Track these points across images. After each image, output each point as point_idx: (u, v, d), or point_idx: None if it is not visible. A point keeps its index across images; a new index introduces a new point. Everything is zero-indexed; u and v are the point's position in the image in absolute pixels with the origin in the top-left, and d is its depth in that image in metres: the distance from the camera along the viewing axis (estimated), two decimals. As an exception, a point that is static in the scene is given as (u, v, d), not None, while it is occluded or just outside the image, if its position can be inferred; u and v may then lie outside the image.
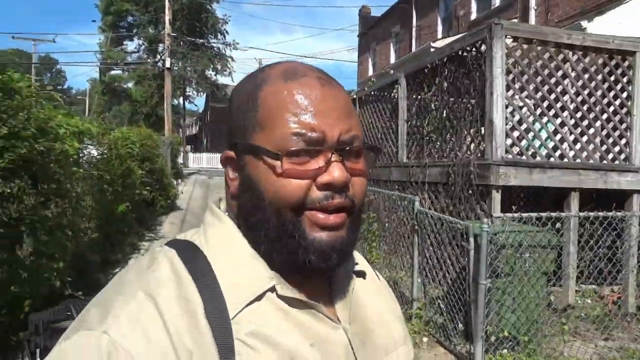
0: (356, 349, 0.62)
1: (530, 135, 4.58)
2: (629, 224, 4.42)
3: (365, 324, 0.67)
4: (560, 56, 4.52)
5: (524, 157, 4.50)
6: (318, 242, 0.57)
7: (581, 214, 3.70)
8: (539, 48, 4.42)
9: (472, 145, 4.76)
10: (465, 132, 4.84)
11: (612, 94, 4.73)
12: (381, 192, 5.52)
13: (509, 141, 4.44)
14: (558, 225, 3.99)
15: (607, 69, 4.71)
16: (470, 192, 4.61)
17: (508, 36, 4.31)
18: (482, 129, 4.52)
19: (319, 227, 0.57)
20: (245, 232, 0.61)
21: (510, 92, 4.46)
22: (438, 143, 5.45)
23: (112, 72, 34.53)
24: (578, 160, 4.67)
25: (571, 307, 4.60)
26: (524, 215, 3.55)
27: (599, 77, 4.73)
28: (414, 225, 4.55)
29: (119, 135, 7.86)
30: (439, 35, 13.10)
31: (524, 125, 4.53)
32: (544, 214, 3.58)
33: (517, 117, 4.50)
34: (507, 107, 4.40)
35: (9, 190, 3.58)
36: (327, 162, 0.56)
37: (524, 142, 4.58)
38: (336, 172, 0.56)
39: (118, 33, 32.70)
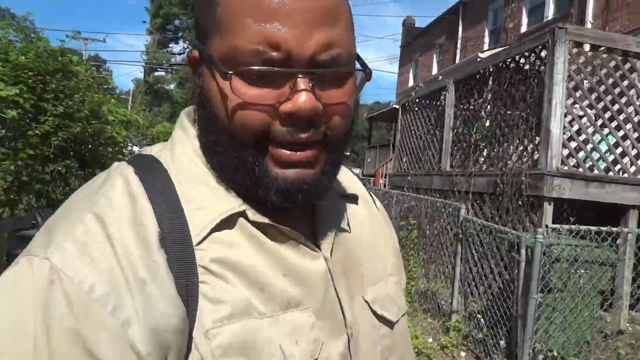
0: (337, 279, 0.55)
1: (589, 147, 4.34)
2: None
3: (352, 253, 0.60)
4: (627, 65, 4.27)
5: (580, 170, 4.26)
6: (282, 180, 0.48)
7: (645, 231, 3.44)
8: (604, 55, 4.19)
9: (525, 155, 4.55)
10: (518, 141, 4.63)
11: (680, 108, 4.44)
12: (423, 199, 5.36)
13: (566, 152, 4.22)
14: (616, 242, 3.73)
15: (676, 82, 4.43)
16: (519, 203, 4.40)
17: (572, 41, 4.11)
18: (537, 138, 4.32)
19: (284, 165, 0.48)
20: (204, 152, 0.53)
21: (570, 101, 4.24)
22: (485, 152, 5.26)
23: (156, 74, 35.64)
24: (639, 176, 4.38)
25: (622, 332, 4.30)
26: (582, 227, 3.32)
27: (667, 89, 4.45)
28: (458, 233, 4.37)
29: (161, 129, 8.04)
30: (486, 47, 12.83)
31: (583, 136, 4.29)
32: (604, 228, 3.35)
33: (575, 127, 4.27)
34: (565, 115, 4.19)
35: (59, 169, 3.65)
36: (292, 88, 0.45)
37: (581, 154, 4.33)
38: (302, 99, 0.45)
39: (165, 35, 33.78)
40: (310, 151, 0.48)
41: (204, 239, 0.47)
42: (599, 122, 4.36)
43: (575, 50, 4.17)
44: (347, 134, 0.52)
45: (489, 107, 5.24)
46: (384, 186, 10.65)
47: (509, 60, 4.87)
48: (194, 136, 0.54)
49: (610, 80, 4.27)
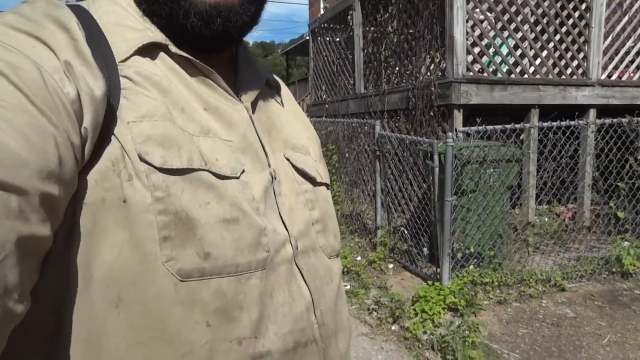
0: (260, 132, 0.58)
1: (492, 51, 4.41)
2: (585, 135, 4.43)
3: (273, 120, 0.63)
4: (521, -36, 4.29)
5: (485, 74, 4.35)
6: (201, 4, 0.51)
7: (544, 124, 3.62)
8: (499, -45, 4.17)
9: (432, 66, 4.55)
10: (425, 53, 4.61)
11: (571, 5, 4.60)
12: (339, 122, 5.29)
13: (470, 58, 4.26)
14: (520, 138, 3.92)
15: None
16: (431, 114, 4.46)
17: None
18: (443, 47, 4.30)
19: None
20: None
21: (471, 5, 4.23)
22: (397, 68, 5.21)
23: None
24: (538, 76, 4.58)
25: (531, 225, 4.66)
26: (489, 127, 3.42)
27: (559, -13, 4.57)
28: (376, 150, 4.37)
29: None
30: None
31: (485, 41, 4.34)
32: (508, 126, 3.47)
33: (477, 32, 4.30)
34: (467, 21, 4.18)
35: None
36: None
37: (484, 59, 4.41)
38: None
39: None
40: None
41: (127, 59, 0.49)
42: (499, 25, 4.42)
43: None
44: None
45: (395, 22, 5.13)
46: (305, 120, 10.49)
47: (410, -32, 4.72)
48: None
49: (507, -19, 4.29)
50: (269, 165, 0.57)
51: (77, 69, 0.43)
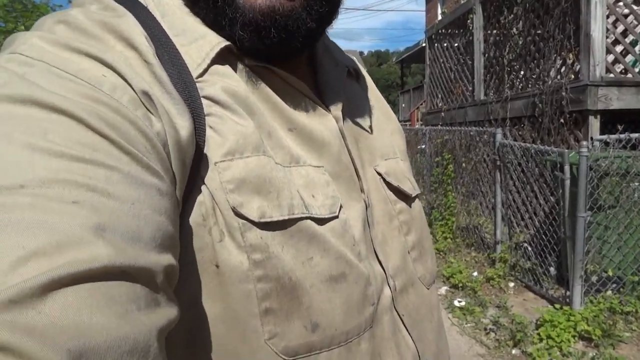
0: (350, 145, 0.48)
1: (638, 49, 3.89)
2: None
3: (358, 123, 0.52)
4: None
5: (629, 76, 3.85)
6: (249, 9, 0.39)
7: None
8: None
9: (564, 69, 4.16)
10: (555, 54, 4.22)
11: None
12: (456, 130, 5.08)
13: (611, 58, 3.80)
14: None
15: None
16: (561, 121, 4.06)
17: None
18: (577, 47, 3.91)
19: None
20: None
21: (612, -1, 3.78)
22: (522, 72, 4.86)
23: None
24: (699, 76, 3.92)
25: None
26: (634, 135, 3.00)
27: None
28: (496, 160, 4.11)
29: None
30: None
31: (630, 37, 3.84)
32: (658, 133, 3.01)
33: (621, 28, 3.82)
34: (608, 17, 3.74)
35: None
36: None
37: (629, 58, 3.90)
38: None
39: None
40: None
41: (205, 71, 0.40)
42: (648, 19, 3.88)
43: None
44: None
45: (520, 23, 4.79)
46: (419, 129, 10.28)
47: (539, -36, 4.38)
48: None
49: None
50: (363, 191, 0.47)
51: (158, 100, 0.34)
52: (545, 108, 4.21)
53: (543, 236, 3.69)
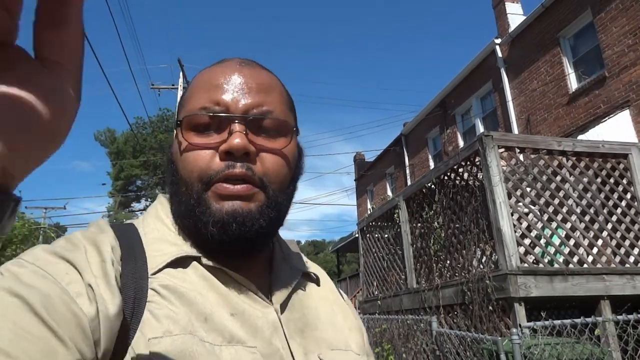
0: (290, 333, 0.58)
1: (543, 241, 4.39)
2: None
3: (308, 317, 0.63)
4: (555, 162, 4.58)
5: (541, 265, 4.24)
6: (218, 211, 0.55)
7: (620, 317, 3.31)
8: (532, 156, 4.50)
9: (484, 259, 4.52)
10: (474, 246, 4.64)
11: (615, 195, 4.68)
12: (394, 319, 5.08)
13: (522, 249, 4.23)
14: (594, 333, 3.54)
15: (604, 172, 4.74)
16: (490, 308, 4.23)
17: (500, 146, 4.42)
18: (492, 240, 4.34)
19: (222, 198, 0.56)
20: (172, 212, 0.63)
21: (513, 200, 4.40)
22: (448, 262, 5.20)
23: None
24: (599, 265, 4.39)
25: None
26: (556, 322, 3.16)
27: (599, 180, 4.73)
28: (435, 350, 4.06)
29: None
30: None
31: (534, 232, 4.36)
32: (578, 320, 3.20)
33: (524, 224, 4.36)
34: (512, 214, 4.30)
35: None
36: (229, 133, 0.56)
37: (537, 250, 4.35)
38: (235, 140, 0.55)
39: (126, 194, 34.25)
40: (246, 185, 0.55)
41: (159, 271, 0.54)
42: (545, 216, 4.49)
43: (505, 154, 4.47)
44: (285, 183, 0.60)
45: (440, 218, 5.34)
46: (357, 317, 10.11)
47: (449, 171, 5.13)
48: (164, 200, 0.65)
49: (544, 177, 4.52)
50: None
51: (98, 289, 0.47)
52: (473, 296, 4.40)
53: None
